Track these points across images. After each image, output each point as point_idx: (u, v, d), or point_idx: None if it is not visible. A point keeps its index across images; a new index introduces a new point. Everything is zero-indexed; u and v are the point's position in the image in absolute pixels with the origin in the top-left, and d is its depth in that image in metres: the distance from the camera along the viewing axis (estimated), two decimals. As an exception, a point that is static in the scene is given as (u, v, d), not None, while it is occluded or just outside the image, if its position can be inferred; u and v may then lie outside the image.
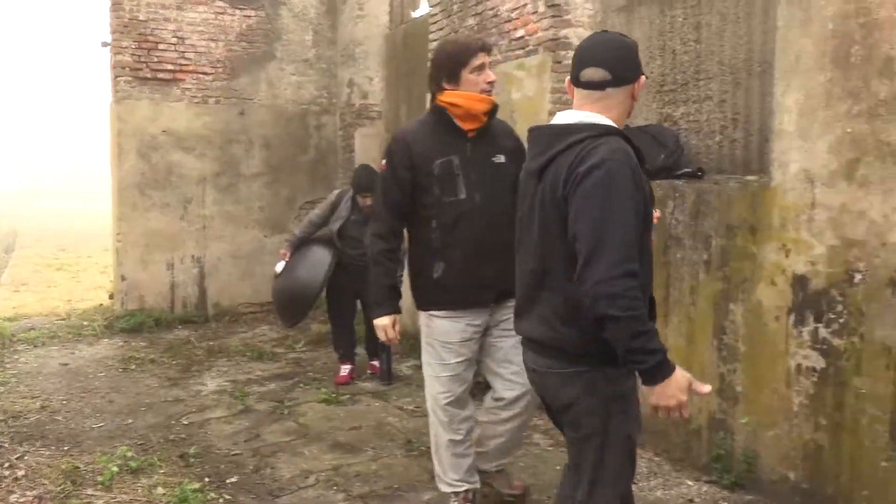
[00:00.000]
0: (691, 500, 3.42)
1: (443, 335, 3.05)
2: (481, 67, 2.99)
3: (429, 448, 4.12)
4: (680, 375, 1.90)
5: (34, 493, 3.53)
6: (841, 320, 3.06)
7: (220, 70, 7.65)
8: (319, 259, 5.35)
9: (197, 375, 5.71)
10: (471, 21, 5.58)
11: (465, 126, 3.02)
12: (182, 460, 3.99)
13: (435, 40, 6.09)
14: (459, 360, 3.07)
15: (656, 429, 3.92)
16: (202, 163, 7.62)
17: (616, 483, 2.10)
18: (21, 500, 3.47)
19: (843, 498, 3.06)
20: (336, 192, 5.63)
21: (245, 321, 7.64)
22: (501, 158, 3.07)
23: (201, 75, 7.56)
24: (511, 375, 3.13)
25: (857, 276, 3.00)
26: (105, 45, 7.43)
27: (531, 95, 4.90)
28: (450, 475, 3.19)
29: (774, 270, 3.33)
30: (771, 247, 3.34)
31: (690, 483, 3.60)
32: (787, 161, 3.27)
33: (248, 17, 7.76)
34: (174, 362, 6.08)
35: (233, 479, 3.76)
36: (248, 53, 7.76)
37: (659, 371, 1.87)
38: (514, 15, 5.08)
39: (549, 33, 4.77)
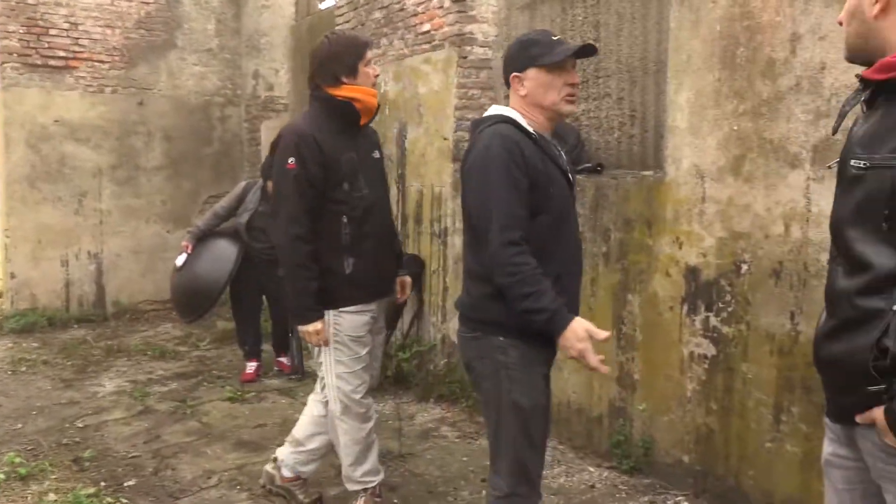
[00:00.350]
0: (593, 486, 3.53)
1: (353, 330, 3.02)
2: (370, 61, 3.02)
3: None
4: (577, 326, 2.07)
5: None
6: (729, 309, 3.22)
7: (117, 58, 7.33)
8: (224, 253, 5.21)
9: (94, 376, 5.48)
10: (377, 14, 5.55)
11: (361, 121, 3.04)
12: (76, 465, 3.83)
13: (342, 32, 6.02)
14: (367, 350, 3.08)
15: (559, 417, 4.02)
16: (98, 154, 7.30)
17: (512, 452, 2.24)
18: None
19: (733, 477, 3.22)
20: (242, 183, 5.49)
21: (147, 319, 7.38)
22: (377, 154, 3.19)
23: (97, 63, 7.23)
24: (372, 371, 3.26)
25: (744, 267, 3.16)
26: (-10, 28, 7.00)
27: (437, 90, 4.92)
28: (359, 471, 3.17)
29: (669, 262, 3.47)
30: (665, 239, 3.48)
31: (592, 469, 3.71)
32: (680, 157, 3.41)
33: (147, 3, 7.47)
34: (69, 363, 5.81)
35: (131, 483, 3.63)
36: (146, 41, 7.47)
37: (552, 326, 2.08)
38: (419, 9, 5.09)
39: (454, 28, 4.81)
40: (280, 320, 5.43)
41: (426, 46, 5.05)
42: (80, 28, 7.13)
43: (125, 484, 3.62)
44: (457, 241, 4.77)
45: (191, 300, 5.25)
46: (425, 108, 5.05)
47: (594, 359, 2.09)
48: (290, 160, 2.89)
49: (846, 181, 1.57)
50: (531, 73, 2.24)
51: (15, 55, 6.89)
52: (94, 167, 7.28)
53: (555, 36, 2.28)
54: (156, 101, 7.54)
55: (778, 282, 3.02)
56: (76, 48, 7.13)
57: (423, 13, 5.07)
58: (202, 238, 5.27)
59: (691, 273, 3.37)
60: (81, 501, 3.33)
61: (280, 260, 3.01)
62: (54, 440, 4.18)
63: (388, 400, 4.67)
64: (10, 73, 6.88)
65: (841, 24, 1.63)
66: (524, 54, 2.25)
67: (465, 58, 4.82)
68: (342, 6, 6.01)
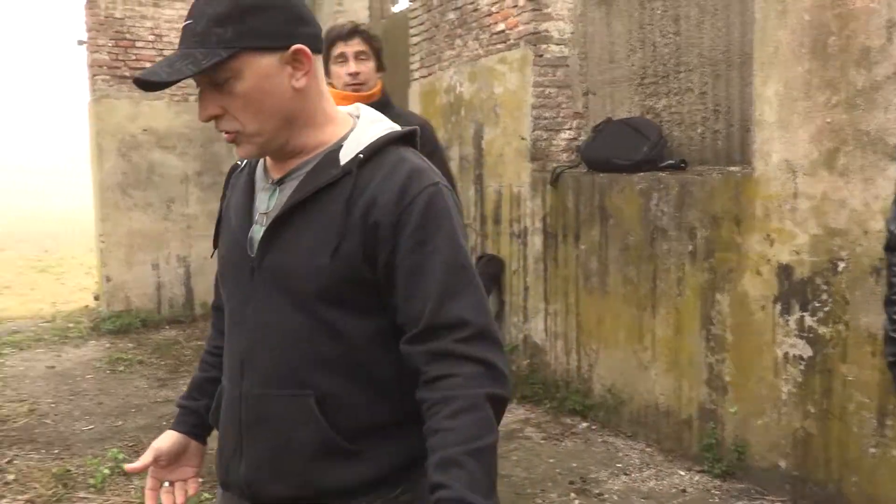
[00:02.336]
0: (684, 490, 3.47)
1: None
2: (342, 57, 2.72)
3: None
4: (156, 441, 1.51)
5: (25, 496, 3.52)
6: (826, 308, 3.11)
7: (200, 68, 7.58)
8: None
9: (186, 375, 5.69)
10: (451, 16, 5.57)
11: None
12: (175, 462, 3.99)
13: (415, 35, 6.08)
14: None
15: (646, 420, 3.97)
16: (184, 161, 7.57)
17: None
18: (12, 504, 3.47)
19: (833, 484, 3.12)
20: None
21: (232, 320, 7.61)
22: None
23: (181, 73, 7.49)
24: None
25: (841, 265, 3.04)
26: (81, 43, 7.35)
27: (514, 89, 4.91)
28: None
29: (759, 260, 3.37)
30: (755, 237, 3.38)
31: (682, 473, 3.64)
32: (769, 151, 3.31)
33: (227, 13, 7.69)
34: (162, 363, 6.05)
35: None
36: (227, 50, 7.70)
37: None
38: (494, 9, 5.09)
39: (529, 27, 4.79)
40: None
41: (501, 46, 5.05)
42: (165, 39, 7.41)
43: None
44: (536, 241, 4.76)
45: None
46: (502, 108, 5.04)
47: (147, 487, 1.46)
48: None
49: None
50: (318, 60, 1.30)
51: (105, 68, 7.21)
52: (181, 174, 7.56)
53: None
54: (237, 108, 7.76)
55: (879, 280, 2.90)
56: (161, 59, 7.40)
57: (498, 13, 5.07)
58: None
59: (784, 271, 3.27)
60: (182, 496, 3.47)
61: None
62: (153, 437, 4.33)
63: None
64: (100, 86, 7.21)
65: None
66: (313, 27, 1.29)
67: (541, 56, 4.80)
68: (416, 8, 6.06)
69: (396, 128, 1.32)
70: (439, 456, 1.13)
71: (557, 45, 4.83)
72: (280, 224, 1.25)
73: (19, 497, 3.51)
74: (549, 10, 4.81)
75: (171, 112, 7.47)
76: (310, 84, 1.25)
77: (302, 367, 1.25)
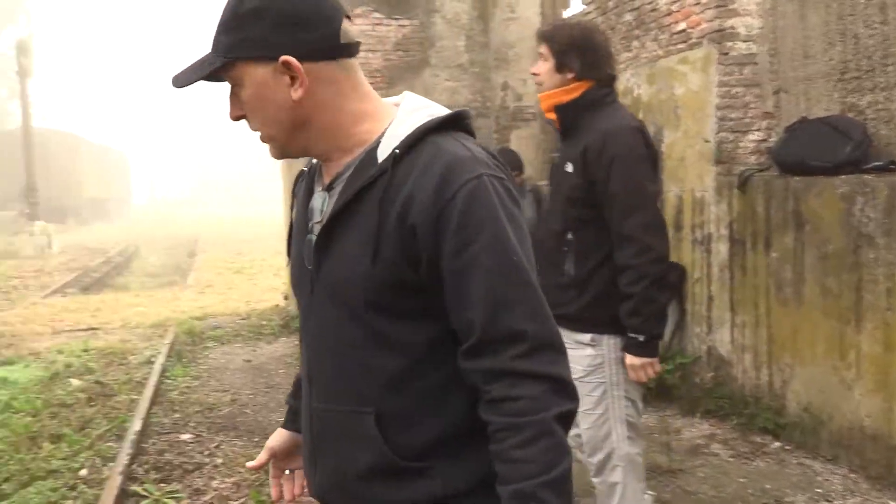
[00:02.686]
0: (893, 521, 3.19)
1: None
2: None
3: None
4: (269, 440, 1.56)
5: (232, 479, 3.85)
6: None
7: (379, 79, 7.92)
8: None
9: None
10: (627, 17, 5.46)
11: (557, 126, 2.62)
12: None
13: (591, 38, 6.00)
14: None
15: (850, 443, 3.68)
16: (364, 170, 7.94)
17: None
18: (221, 486, 3.79)
19: None
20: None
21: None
22: (569, 168, 2.51)
23: (360, 86, 7.87)
24: None
25: None
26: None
27: (696, 90, 4.73)
28: None
29: None
30: (982, 246, 3.04)
31: (893, 503, 3.34)
32: None
33: (403, 26, 7.98)
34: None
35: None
36: (404, 62, 8.00)
37: None
38: (674, 8, 4.93)
39: (713, 24, 4.59)
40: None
41: (682, 46, 4.88)
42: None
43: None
44: (721, 248, 4.55)
45: None
46: (683, 109, 4.87)
47: (271, 476, 1.55)
48: None
49: None
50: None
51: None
52: (361, 182, 7.94)
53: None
54: (413, 118, 8.03)
55: None
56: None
57: (678, 11, 4.90)
58: None
59: None
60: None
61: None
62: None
63: (651, 412, 4.57)
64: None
65: None
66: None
67: (727, 54, 4.58)
68: (590, 11, 5.99)
69: (440, 113, 1.21)
70: (514, 488, 1.08)
71: (745, 41, 4.60)
72: (329, 232, 1.20)
73: (227, 480, 3.84)
74: (736, 5, 4.59)
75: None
76: (313, 92, 1.18)
77: (358, 381, 1.21)
